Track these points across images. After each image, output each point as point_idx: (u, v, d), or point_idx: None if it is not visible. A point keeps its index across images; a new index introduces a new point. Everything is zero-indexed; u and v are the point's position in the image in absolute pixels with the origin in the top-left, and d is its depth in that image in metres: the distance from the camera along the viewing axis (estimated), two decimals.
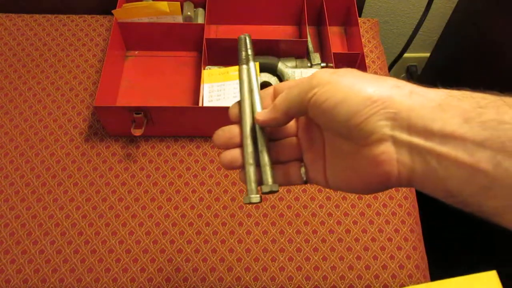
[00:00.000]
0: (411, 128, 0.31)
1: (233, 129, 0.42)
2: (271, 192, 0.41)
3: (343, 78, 0.34)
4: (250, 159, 0.41)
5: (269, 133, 0.42)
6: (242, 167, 0.42)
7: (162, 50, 1.01)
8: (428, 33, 1.44)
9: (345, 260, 0.80)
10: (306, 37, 0.95)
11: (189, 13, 0.99)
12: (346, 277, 0.78)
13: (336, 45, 1.05)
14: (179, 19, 0.98)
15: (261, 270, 0.79)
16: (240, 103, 0.43)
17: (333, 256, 0.80)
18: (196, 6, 1.02)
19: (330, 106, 0.33)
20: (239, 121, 0.43)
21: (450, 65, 1.25)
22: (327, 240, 0.81)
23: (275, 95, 0.42)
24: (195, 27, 0.96)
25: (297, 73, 0.92)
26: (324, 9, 0.98)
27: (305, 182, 0.41)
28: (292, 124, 0.42)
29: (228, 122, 0.44)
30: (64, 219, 0.82)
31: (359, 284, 0.78)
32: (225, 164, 0.42)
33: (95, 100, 0.82)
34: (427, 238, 0.85)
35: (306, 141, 0.41)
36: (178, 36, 0.98)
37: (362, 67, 0.91)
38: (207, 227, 0.82)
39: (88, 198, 0.85)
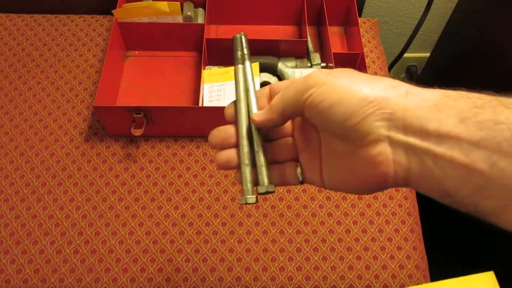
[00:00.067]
0: (407, 128, 0.31)
1: (229, 129, 0.42)
2: (267, 192, 0.40)
3: (339, 78, 0.34)
4: (246, 160, 0.41)
5: (265, 133, 0.42)
6: (238, 167, 0.41)
7: (162, 50, 1.01)
8: (428, 33, 1.44)
9: (345, 260, 0.80)
10: (306, 37, 0.95)
11: (189, 13, 0.99)
12: (346, 277, 0.78)
13: (336, 45, 1.05)
14: (179, 19, 0.98)
15: (261, 270, 0.79)
16: (235, 103, 0.43)
17: (333, 256, 0.80)
18: (196, 6, 1.02)
19: (326, 107, 0.33)
20: (235, 121, 0.42)
21: (450, 65, 1.25)
22: (327, 240, 0.81)
23: (271, 94, 0.42)
24: (195, 27, 0.96)
25: (297, 73, 0.92)
26: (324, 9, 0.98)
27: (301, 183, 0.41)
28: (288, 124, 0.42)
29: (227, 122, 0.43)
30: (64, 219, 0.83)
31: (359, 284, 0.78)
32: (220, 164, 0.42)
33: (95, 100, 0.82)
34: (427, 238, 0.84)
35: (302, 142, 0.41)
36: (178, 36, 0.98)
37: (362, 67, 0.91)
38: (207, 227, 0.82)
39: (88, 198, 0.85)
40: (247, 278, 0.78)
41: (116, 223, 0.82)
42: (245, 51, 0.44)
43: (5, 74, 0.99)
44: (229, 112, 0.43)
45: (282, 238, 0.82)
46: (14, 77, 0.99)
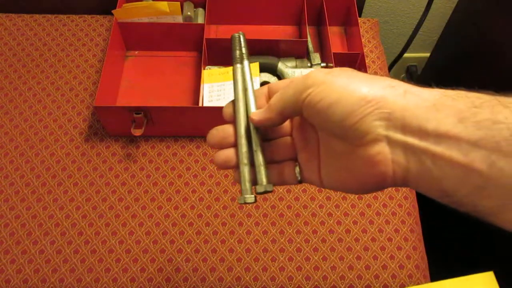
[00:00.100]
0: (406, 128, 0.31)
1: (227, 128, 0.42)
2: (266, 192, 0.40)
3: (337, 78, 0.34)
4: (244, 159, 0.41)
5: (263, 133, 0.42)
6: (237, 167, 0.41)
7: (162, 50, 1.01)
8: (428, 33, 1.44)
9: (345, 260, 0.80)
10: (306, 37, 0.95)
11: (189, 13, 0.99)
12: (346, 277, 0.78)
13: (336, 45, 1.05)
14: (179, 19, 0.98)
15: (261, 270, 0.79)
16: (234, 102, 0.43)
17: (333, 256, 0.80)
18: (196, 6, 1.02)
19: (324, 106, 0.33)
20: (233, 121, 0.42)
21: (450, 65, 1.25)
22: (327, 240, 0.81)
23: (270, 94, 0.42)
24: (195, 27, 0.96)
25: (297, 73, 0.92)
26: (324, 9, 0.98)
27: (300, 182, 0.41)
28: (286, 123, 0.42)
29: (226, 122, 0.43)
30: (64, 219, 0.83)
31: (359, 284, 0.78)
32: (219, 164, 0.42)
33: (95, 100, 0.82)
34: (427, 238, 0.84)
35: (300, 141, 0.41)
36: (178, 36, 0.98)
37: (362, 67, 0.91)
38: (207, 227, 0.82)
39: (88, 198, 0.85)
40: (247, 278, 0.78)
41: (116, 223, 0.82)
42: (244, 50, 0.44)
43: (5, 74, 0.99)
44: (227, 112, 0.43)
45: (282, 238, 0.82)
46: (14, 77, 0.99)
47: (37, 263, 0.79)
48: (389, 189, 0.87)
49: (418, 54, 1.53)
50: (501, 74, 0.99)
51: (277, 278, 0.78)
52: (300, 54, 0.97)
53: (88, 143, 0.91)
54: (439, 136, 0.30)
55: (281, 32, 1.06)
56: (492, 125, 0.28)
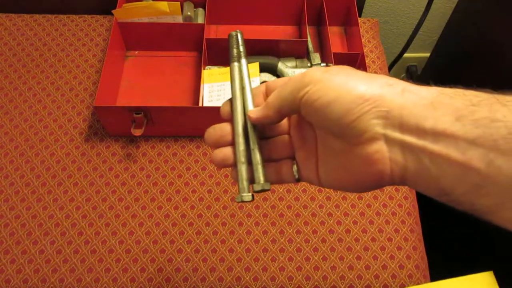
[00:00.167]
0: (403, 126, 0.31)
1: (225, 127, 0.42)
2: (263, 190, 0.40)
3: (335, 76, 0.34)
4: (242, 158, 0.41)
5: (261, 131, 0.42)
6: (234, 165, 0.41)
7: (162, 50, 1.01)
8: (428, 33, 1.44)
9: (345, 260, 0.80)
10: (306, 37, 0.95)
11: (189, 13, 0.99)
12: (346, 277, 0.78)
13: (336, 45, 1.05)
14: (179, 19, 0.98)
15: (261, 270, 0.79)
16: (231, 101, 0.43)
17: (333, 256, 0.80)
18: (196, 6, 1.02)
19: (322, 105, 0.33)
20: (231, 119, 0.42)
21: (450, 65, 1.25)
22: (327, 240, 0.81)
23: (268, 92, 0.42)
24: (195, 27, 0.96)
25: (297, 73, 0.92)
26: (324, 9, 0.98)
27: (297, 180, 0.41)
28: (284, 122, 0.42)
29: (223, 120, 0.43)
30: (64, 219, 0.83)
31: (359, 284, 0.78)
32: (217, 162, 0.42)
33: (95, 100, 0.82)
34: (427, 238, 0.84)
35: (298, 139, 0.41)
36: (178, 36, 0.98)
37: (362, 67, 0.91)
38: (207, 227, 0.82)
39: (88, 198, 0.85)
40: (247, 278, 0.78)
41: (116, 223, 0.82)
42: (241, 48, 0.44)
43: (5, 74, 0.99)
44: (225, 110, 0.43)
45: (282, 238, 0.81)
46: (14, 77, 0.99)
47: (37, 263, 0.79)
48: (389, 189, 0.87)
49: (418, 54, 1.53)
50: (501, 74, 0.99)
51: (277, 278, 0.78)
52: (300, 54, 0.97)
53: (88, 143, 0.91)
54: (437, 135, 0.30)
55: (281, 32, 1.06)
56: (490, 123, 0.28)
